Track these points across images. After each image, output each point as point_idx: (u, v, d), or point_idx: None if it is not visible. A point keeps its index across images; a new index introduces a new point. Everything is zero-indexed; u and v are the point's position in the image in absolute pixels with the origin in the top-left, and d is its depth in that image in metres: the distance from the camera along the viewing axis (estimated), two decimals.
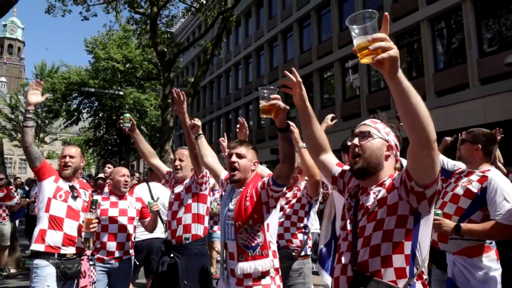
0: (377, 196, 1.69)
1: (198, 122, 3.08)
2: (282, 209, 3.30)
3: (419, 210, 1.59)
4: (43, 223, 3.28)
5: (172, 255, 3.31)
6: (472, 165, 3.00)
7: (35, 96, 3.30)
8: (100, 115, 27.89)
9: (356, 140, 1.78)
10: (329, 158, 2.04)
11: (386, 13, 1.37)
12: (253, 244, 2.42)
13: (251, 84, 27.21)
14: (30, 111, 3.29)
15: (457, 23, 14.56)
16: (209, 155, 3.00)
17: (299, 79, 1.98)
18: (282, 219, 3.28)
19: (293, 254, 3.25)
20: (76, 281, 3.42)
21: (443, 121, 12.54)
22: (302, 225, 3.31)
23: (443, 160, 3.38)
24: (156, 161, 3.76)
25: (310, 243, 3.41)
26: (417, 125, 1.41)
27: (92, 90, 24.66)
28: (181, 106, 3.10)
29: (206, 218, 3.48)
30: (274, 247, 2.49)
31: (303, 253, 3.31)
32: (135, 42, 22.94)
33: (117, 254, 3.65)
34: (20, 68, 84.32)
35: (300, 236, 3.29)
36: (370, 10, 1.40)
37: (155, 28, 15.03)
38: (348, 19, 1.41)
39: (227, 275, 2.48)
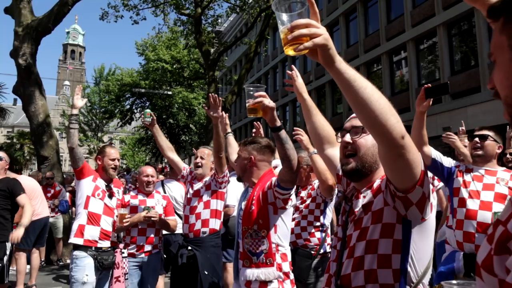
0: (364, 200, 1.48)
1: (227, 120, 3.17)
2: (297, 208, 3.31)
3: (408, 217, 1.34)
4: (82, 219, 3.51)
5: (190, 247, 3.45)
6: (488, 163, 2.88)
7: (79, 101, 3.60)
8: (140, 119, 28.91)
9: (347, 137, 1.54)
10: (335, 152, 1.80)
11: None
12: (257, 251, 2.34)
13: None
14: (75, 113, 3.57)
15: (471, 28, 14.99)
16: (236, 153, 2.99)
17: (295, 72, 2.04)
18: (299, 219, 3.30)
19: (312, 252, 3.25)
20: (110, 272, 3.66)
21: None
22: (318, 223, 3.30)
23: (440, 157, 3.06)
24: (173, 156, 3.88)
25: (328, 240, 3.39)
26: (372, 122, 1.17)
27: (143, 90, 25.70)
28: (216, 110, 3.12)
29: (222, 213, 3.62)
30: (283, 249, 2.39)
31: (322, 251, 3.29)
32: (182, 43, 23.60)
33: (146, 249, 3.82)
34: (81, 72, 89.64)
35: (317, 234, 3.29)
36: None
37: (199, 28, 15.38)
38: (273, 3, 1.21)
39: (237, 274, 2.48)
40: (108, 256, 3.52)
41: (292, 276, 2.39)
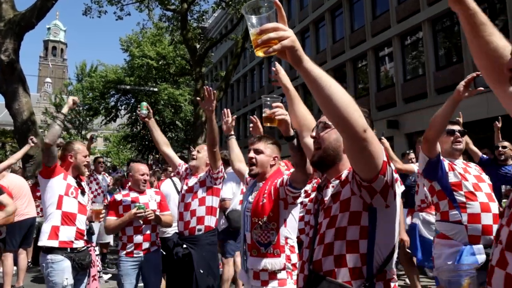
0: (333, 190, 1.60)
1: (233, 122, 3.12)
2: (301, 203, 3.27)
3: (373, 205, 1.45)
4: (55, 220, 3.34)
5: (185, 245, 3.40)
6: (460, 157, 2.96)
7: (65, 108, 3.51)
8: (137, 111, 28.75)
9: (314, 132, 1.71)
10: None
11: (276, 0, 1.25)
12: (265, 242, 2.43)
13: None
14: (62, 116, 3.45)
15: (454, 24, 15.09)
16: (238, 160, 3.06)
17: (278, 66, 2.22)
18: (303, 213, 3.26)
19: None
20: (87, 271, 3.54)
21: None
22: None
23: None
24: (169, 151, 3.84)
25: None
26: (337, 117, 1.28)
27: (128, 87, 25.44)
28: (210, 104, 3.11)
29: (218, 211, 3.57)
30: (292, 242, 2.49)
31: None
32: (168, 39, 23.39)
33: (144, 246, 3.74)
34: (63, 69, 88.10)
35: None
36: None
37: (185, 24, 15.26)
38: (243, 7, 1.31)
39: (246, 268, 2.53)
40: (85, 256, 3.42)
41: None
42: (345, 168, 1.64)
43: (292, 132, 2.19)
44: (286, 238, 2.44)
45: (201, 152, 3.65)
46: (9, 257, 5.77)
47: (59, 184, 3.39)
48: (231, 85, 25.24)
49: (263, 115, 2.20)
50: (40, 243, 3.33)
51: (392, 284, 1.51)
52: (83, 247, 3.44)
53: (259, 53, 1.26)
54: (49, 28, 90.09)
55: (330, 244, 1.51)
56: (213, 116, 3.24)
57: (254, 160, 2.62)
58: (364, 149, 1.31)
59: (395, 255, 1.52)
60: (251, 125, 3.27)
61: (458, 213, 2.76)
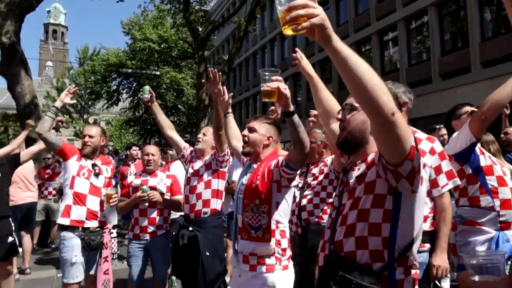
0: (358, 172, 1.59)
1: (229, 100, 3.05)
2: (309, 185, 3.26)
3: (398, 189, 1.43)
4: (68, 199, 3.53)
5: (191, 228, 3.40)
6: None
7: (68, 98, 3.66)
8: (139, 95, 28.61)
9: (340, 114, 1.70)
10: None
11: None
12: (256, 225, 2.40)
13: (286, 60, 26.86)
14: (58, 106, 3.58)
15: (461, 8, 14.70)
16: (234, 138, 2.99)
17: (299, 53, 2.17)
18: (311, 196, 3.23)
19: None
20: (99, 252, 3.66)
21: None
22: (331, 200, 3.20)
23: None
24: (173, 134, 3.80)
25: None
26: (365, 98, 1.26)
27: (130, 70, 25.27)
28: (216, 86, 3.05)
29: (224, 194, 3.55)
30: (283, 226, 2.45)
31: None
32: (170, 22, 23.14)
33: (150, 230, 3.77)
34: (64, 53, 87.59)
35: (330, 211, 3.23)
36: None
37: (188, 7, 15.04)
38: None
39: (235, 250, 2.52)
40: (96, 237, 3.54)
41: (289, 252, 2.45)
42: (372, 150, 1.62)
43: (292, 108, 2.16)
44: (277, 222, 2.40)
45: (207, 135, 3.60)
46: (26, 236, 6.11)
47: (72, 165, 3.57)
48: (233, 69, 25.05)
49: (262, 89, 2.13)
50: (57, 221, 3.58)
51: (413, 271, 1.49)
52: (96, 227, 3.55)
53: (287, 31, 1.22)
54: (49, 11, 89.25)
55: (352, 225, 1.51)
56: (219, 98, 3.14)
57: (246, 138, 2.59)
58: (392, 133, 1.29)
59: (418, 241, 1.51)
60: (271, 108, 3.21)
61: (490, 199, 2.68)
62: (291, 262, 2.49)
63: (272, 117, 3.11)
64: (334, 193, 3.15)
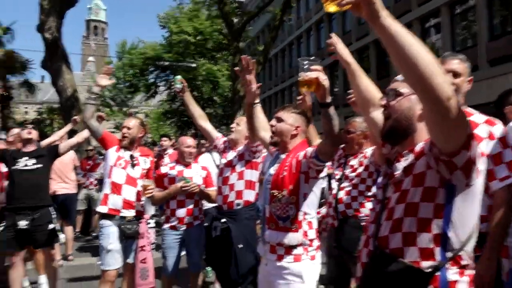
0: (406, 163, 1.48)
1: (257, 90, 2.98)
2: (347, 177, 3.20)
3: (452, 181, 1.32)
4: (106, 188, 3.67)
5: (223, 220, 3.38)
6: None
7: (104, 80, 3.75)
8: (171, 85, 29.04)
9: (383, 100, 1.58)
10: (380, 115, 1.75)
11: None
12: (284, 216, 2.39)
13: (323, 50, 26.41)
14: (96, 92, 3.71)
15: None
16: (262, 129, 2.95)
17: (335, 38, 2.05)
18: (349, 188, 3.17)
19: (363, 224, 3.07)
20: (136, 241, 3.74)
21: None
22: (370, 193, 3.15)
23: None
24: (206, 124, 3.75)
25: None
26: (418, 80, 1.14)
27: (167, 63, 25.65)
28: (249, 73, 2.96)
29: (257, 185, 3.50)
30: (310, 217, 2.44)
31: None
32: (205, 14, 23.28)
33: (186, 220, 3.82)
34: (104, 48, 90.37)
35: (368, 205, 3.13)
36: None
37: None
38: None
39: (263, 240, 2.52)
40: (132, 226, 3.62)
41: (317, 243, 2.45)
42: (420, 139, 1.48)
43: (329, 99, 2.09)
44: (305, 213, 2.40)
45: (241, 125, 3.55)
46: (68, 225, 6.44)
47: (111, 155, 3.70)
48: (269, 60, 24.92)
49: (299, 79, 2.06)
50: (96, 209, 3.75)
51: (468, 272, 1.37)
52: (133, 217, 3.64)
53: (331, 8, 1.16)
54: (90, 8, 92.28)
55: (399, 220, 1.40)
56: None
57: (274, 128, 2.56)
58: (447, 120, 1.18)
59: (474, 239, 1.40)
60: (299, 97, 3.13)
61: None
62: (319, 253, 2.48)
63: (301, 107, 3.04)
64: (375, 186, 3.07)
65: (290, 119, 2.55)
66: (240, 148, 3.50)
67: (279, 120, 2.56)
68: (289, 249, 2.37)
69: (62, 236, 6.51)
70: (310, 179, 2.39)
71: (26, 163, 4.15)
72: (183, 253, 3.92)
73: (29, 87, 19.30)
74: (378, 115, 1.78)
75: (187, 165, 3.98)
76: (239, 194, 3.40)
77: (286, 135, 2.54)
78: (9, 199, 4.18)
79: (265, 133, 2.89)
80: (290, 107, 2.63)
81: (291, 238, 2.36)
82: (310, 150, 2.35)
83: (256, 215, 3.53)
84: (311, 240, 2.41)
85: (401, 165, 1.49)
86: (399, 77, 1.61)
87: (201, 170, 4.07)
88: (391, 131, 1.54)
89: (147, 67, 27.72)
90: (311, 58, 2.08)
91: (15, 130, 5.05)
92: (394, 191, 1.47)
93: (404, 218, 1.39)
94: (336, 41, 2.06)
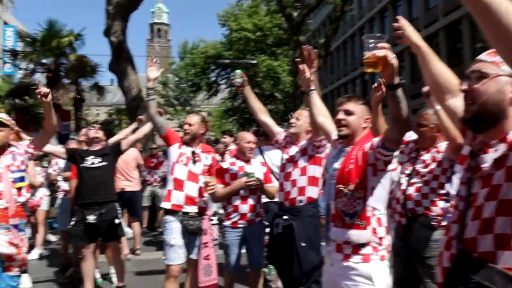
0: (496, 154, 1.30)
1: (312, 76, 2.91)
2: (418, 173, 3.01)
3: None
4: (169, 185, 3.75)
5: (285, 217, 3.32)
6: None
7: (153, 72, 3.85)
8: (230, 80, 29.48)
9: (464, 85, 1.39)
10: (458, 103, 1.60)
11: None
12: (350, 212, 2.27)
13: (388, 41, 25.35)
14: (150, 86, 3.81)
15: None
16: (321, 114, 2.86)
17: (401, 22, 1.85)
18: (420, 185, 2.98)
19: (433, 223, 2.91)
20: (198, 238, 3.77)
21: None
22: (443, 191, 2.94)
23: None
24: (266, 118, 3.70)
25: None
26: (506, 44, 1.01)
27: (227, 61, 26.12)
28: (311, 64, 2.92)
29: (321, 181, 3.40)
30: (379, 213, 2.30)
31: (445, 223, 2.89)
32: (264, 10, 23.34)
33: (249, 217, 3.81)
34: (167, 49, 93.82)
35: (441, 203, 2.93)
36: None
37: None
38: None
39: (328, 238, 2.41)
40: (194, 222, 3.67)
41: (387, 241, 2.31)
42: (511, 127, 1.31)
43: (397, 80, 1.94)
44: (374, 208, 2.27)
45: (300, 119, 3.46)
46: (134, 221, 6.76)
47: (174, 152, 3.79)
48: (330, 53, 24.40)
49: (364, 59, 1.92)
50: (160, 205, 3.86)
51: None
52: (196, 213, 3.70)
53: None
54: (153, 12, 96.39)
55: (489, 219, 1.23)
56: (315, 78, 3.02)
57: (344, 121, 2.42)
58: None
59: None
60: (374, 85, 2.98)
61: None
62: (390, 253, 2.35)
63: (377, 94, 2.89)
64: (448, 184, 2.89)
65: (359, 111, 2.45)
66: (303, 142, 3.43)
67: (349, 113, 2.44)
68: (357, 248, 2.25)
69: (129, 231, 6.85)
70: (378, 171, 2.27)
71: (92, 161, 4.39)
72: (244, 250, 3.91)
73: (99, 89, 20.53)
74: (456, 102, 1.61)
75: (247, 160, 3.97)
76: (301, 191, 3.33)
77: (356, 128, 2.44)
78: (78, 195, 4.45)
79: (324, 119, 2.82)
80: (355, 97, 2.52)
81: (359, 235, 2.24)
82: (376, 140, 2.23)
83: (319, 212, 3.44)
84: (380, 239, 2.27)
85: (489, 156, 1.31)
86: (483, 55, 1.41)
87: (261, 166, 4.06)
88: (476, 118, 1.35)
89: (208, 66, 28.43)
90: (377, 35, 1.94)
91: (84, 130, 5.35)
92: (481, 186, 1.30)
93: (496, 218, 1.21)
94: (404, 23, 1.89)
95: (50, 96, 3.32)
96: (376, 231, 2.26)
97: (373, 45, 1.89)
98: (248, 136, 4.00)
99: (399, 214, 3.03)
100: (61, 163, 5.60)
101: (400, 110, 1.99)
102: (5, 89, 17.96)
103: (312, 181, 3.34)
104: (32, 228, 6.90)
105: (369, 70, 1.94)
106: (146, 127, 4.72)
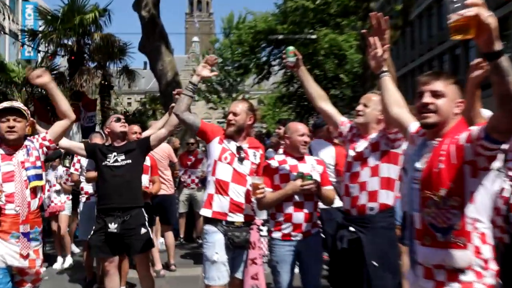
0: None
1: (384, 54, 2.82)
2: None
3: None
4: (210, 188, 3.78)
5: (352, 228, 3.29)
6: None
7: (205, 71, 3.89)
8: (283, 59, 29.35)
9: None
10: None
11: None
12: (443, 226, 2.14)
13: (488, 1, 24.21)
14: (195, 82, 3.86)
15: None
16: (394, 103, 2.76)
17: None
18: None
19: None
20: (245, 252, 3.77)
21: None
22: None
23: None
24: (327, 106, 3.66)
25: None
26: None
27: (281, 37, 26.00)
28: (382, 35, 2.84)
29: (397, 184, 3.30)
30: (483, 227, 2.16)
31: None
32: None
33: (304, 228, 3.77)
34: (210, 25, 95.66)
35: None
36: None
37: None
38: None
39: (413, 260, 2.31)
40: (241, 233, 3.68)
41: (495, 266, 2.18)
42: None
43: (499, 46, 1.78)
44: (475, 220, 2.14)
45: (369, 105, 3.39)
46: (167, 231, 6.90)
47: (215, 148, 3.80)
48: (410, 23, 23.69)
49: (450, 22, 1.82)
50: (200, 212, 3.94)
51: None
52: (242, 223, 3.71)
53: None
54: None
55: None
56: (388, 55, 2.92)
57: (432, 106, 2.29)
58: None
59: None
60: (473, 62, 2.82)
61: None
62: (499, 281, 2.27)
63: (476, 73, 2.77)
64: None
65: (450, 92, 2.31)
66: (374, 135, 3.37)
67: (437, 94, 2.31)
68: (454, 273, 2.12)
69: (161, 242, 6.98)
70: (479, 171, 2.12)
71: (116, 159, 4.48)
72: (297, 269, 3.89)
73: (130, 74, 21.04)
74: None
75: (300, 158, 3.92)
76: (373, 196, 3.28)
77: (447, 115, 2.30)
78: (99, 199, 4.59)
79: (399, 109, 2.70)
80: (444, 75, 2.38)
81: (457, 257, 2.10)
82: (475, 129, 2.07)
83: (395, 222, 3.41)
84: (486, 261, 2.14)
85: None
86: None
87: (317, 164, 3.98)
88: None
89: (258, 44, 28.46)
90: None
91: (108, 121, 5.44)
92: None
93: None
94: None
95: (47, 76, 3.43)
96: (479, 250, 2.13)
97: (460, 3, 1.77)
98: (300, 128, 3.94)
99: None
100: (84, 161, 5.80)
101: (508, 85, 1.81)
102: (23, 75, 18.74)
103: (387, 183, 3.29)
104: (53, 236, 7.25)
105: (458, 36, 1.84)
106: (160, 122, 4.79)
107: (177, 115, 3.84)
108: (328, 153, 5.18)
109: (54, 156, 7.11)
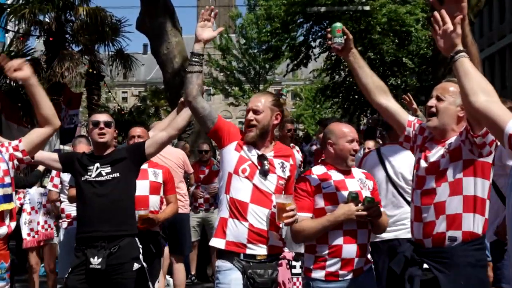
0: None
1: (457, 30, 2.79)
2: None
3: None
4: (223, 210, 3.74)
5: (426, 265, 3.26)
6: None
7: (207, 31, 3.81)
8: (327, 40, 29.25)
9: None
10: None
11: None
12: None
13: None
14: (198, 51, 3.80)
15: None
16: (480, 91, 2.66)
17: None
18: None
19: None
20: None
21: None
22: None
23: None
24: (388, 101, 3.64)
25: None
26: None
27: (323, 9, 25.97)
28: (459, 5, 2.88)
29: (487, 205, 3.30)
30: None
31: None
32: None
33: (356, 264, 3.76)
34: None
35: None
36: None
37: None
38: None
39: None
40: (264, 271, 3.61)
41: None
42: None
43: None
44: None
45: (445, 99, 3.36)
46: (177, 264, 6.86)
47: (230, 156, 3.76)
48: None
49: None
50: (210, 242, 3.86)
51: None
52: (266, 256, 3.67)
53: None
54: None
55: None
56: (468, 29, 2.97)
57: None
58: None
59: None
60: None
61: None
62: None
63: None
64: None
65: None
66: (452, 140, 3.35)
67: None
68: None
69: (170, 281, 6.97)
70: None
71: (100, 172, 4.41)
72: None
73: (125, 60, 20.95)
74: None
75: (346, 171, 3.91)
76: (454, 221, 3.25)
77: None
78: (78, 225, 4.52)
79: (487, 97, 2.60)
80: None
81: None
82: None
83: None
84: None
85: None
86: None
87: (366, 180, 3.99)
88: None
89: (293, 19, 28.50)
90: None
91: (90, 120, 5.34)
92: None
93: None
94: None
95: (27, 70, 3.44)
96: None
97: None
98: (348, 131, 3.92)
99: None
100: (66, 175, 5.82)
101: None
102: None
103: (473, 205, 3.26)
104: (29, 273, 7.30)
105: None
106: (184, 115, 4.61)
107: (189, 102, 3.77)
108: (406, 161, 4.96)
109: (33, 179, 7.14)
